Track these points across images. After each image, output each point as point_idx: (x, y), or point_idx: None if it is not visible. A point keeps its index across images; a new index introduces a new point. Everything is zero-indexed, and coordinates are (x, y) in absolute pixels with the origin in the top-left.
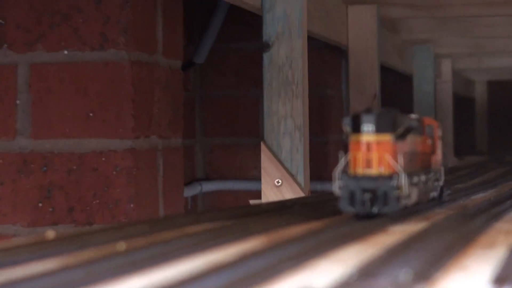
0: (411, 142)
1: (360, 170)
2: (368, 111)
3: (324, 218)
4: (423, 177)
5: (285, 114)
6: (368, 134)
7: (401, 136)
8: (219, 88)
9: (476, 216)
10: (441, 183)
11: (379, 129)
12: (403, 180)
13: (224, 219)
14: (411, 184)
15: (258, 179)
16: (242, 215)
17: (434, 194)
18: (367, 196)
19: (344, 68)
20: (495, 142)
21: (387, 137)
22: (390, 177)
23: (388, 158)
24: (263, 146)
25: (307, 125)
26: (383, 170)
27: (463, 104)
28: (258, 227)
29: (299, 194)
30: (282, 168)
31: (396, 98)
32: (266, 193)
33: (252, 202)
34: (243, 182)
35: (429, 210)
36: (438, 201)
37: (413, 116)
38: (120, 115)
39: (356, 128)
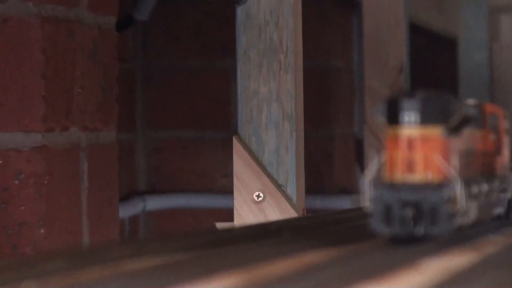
0: (468, 137)
1: (399, 176)
2: (409, 94)
3: (327, 248)
4: (484, 187)
5: (269, 96)
6: (410, 126)
7: (456, 129)
8: (171, 58)
9: None
10: (509, 195)
11: (425, 120)
12: (459, 190)
13: (179, 250)
14: (469, 195)
15: (229, 191)
16: (205, 244)
17: (499, 210)
18: (409, 211)
19: (356, 29)
20: None
21: (437, 131)
22: (440, 185)
23: (438, 159)
24: (236, 144)
25: (301, 112)
26: (430, 176)
27: None
28: (229, 262)
29: (290, 214)
30: (264, 175)
31: (432, 72)
32: (241, 212)
33: (219, 225)
34: (206, 196)
35: (480, 235)
36: (505, 221)
37: (471, 101)
38: (25, 97)
39: (394, 118)
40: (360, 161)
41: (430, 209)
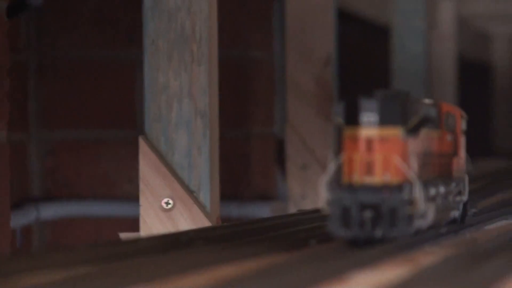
0: (426, 138)
1: (358, 178)
2: (368, 94)
3: (244, 261)
4: (442, 189)
5: (180, 91)
6: (368, 127)
7: (414, 130)
8: (69, 48)
9: (491, 259)
10: (464, 198)
11: (384, 120)
12: (418, 191)
13: (79, 264)
14: (427, 198)
15: (134, 198)
16: (109, 257)
17: (455, 213)
18: (368, 214)
19: (278, 17)
20: None
21: (396, 132)
22: (399, 187)
23: (397, 160)
24: (142, 144)
25: (215, 109)
26: (389, 177)
27: (474, 73)
28: (135, 276)
29: (202, 223)
30: (174, 180)
31: (364, 63)
32: (148, 221)
33: (124, 236)
34: (108, 203)
35: (416, 246)
36: (460, 225)
37: (427, 101)
38: None
39: (352, 119)
40: (281, 164)
41: (389, 211)
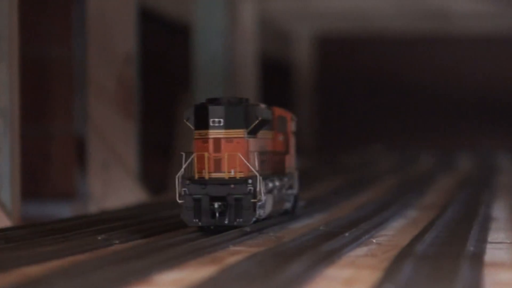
0: (263, 138)
1: (208, 173)
2: (215, 101)
3: (47, 261)
4: (277, 183)
5: None
6: (216, 130)
7: (253, 131)
8: None
9: (295, 257)
10: (295, 191)
11: (229, 124)
12: (259, 185)
13: None
14: (266, 190)
15: None
16: None
17: (287, 205)
18: (216, 205)
19: (78, 12)
20: (326, 137)
21: (239, 133)
22: (243, 181)
23: (241, 158)
24: None
25: (17, 108)
26: (234, 173)
27: (275, 74)
28: None
29: (4, 222)
30: None
31: (166, 62)
32: None
33: None
34: None
35: (220, 245)
36: (291, 215)
37: (263, 106)
38: None
39: (201, 123)
40: (82, 163)
41: (235, 202)
